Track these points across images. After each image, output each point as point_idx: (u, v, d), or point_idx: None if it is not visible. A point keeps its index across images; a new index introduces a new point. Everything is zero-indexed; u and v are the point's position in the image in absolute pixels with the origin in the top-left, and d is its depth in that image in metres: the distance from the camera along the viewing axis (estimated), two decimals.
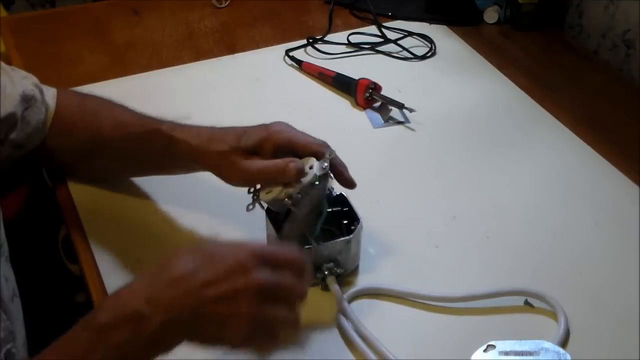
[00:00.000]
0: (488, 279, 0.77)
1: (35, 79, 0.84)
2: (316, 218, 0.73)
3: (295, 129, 0.76)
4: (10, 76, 0.80)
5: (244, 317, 0.56)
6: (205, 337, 0.57)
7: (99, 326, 0.55)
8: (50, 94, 0.84)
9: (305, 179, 0.71)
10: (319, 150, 0.73)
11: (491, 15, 1.24)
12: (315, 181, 0.71)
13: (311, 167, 0.72)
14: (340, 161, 0.75)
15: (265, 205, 0.74)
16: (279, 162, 0.72)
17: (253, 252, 0.58)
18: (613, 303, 0.75)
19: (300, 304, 0.60)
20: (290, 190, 0.71)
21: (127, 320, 0.55)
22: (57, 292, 1.07)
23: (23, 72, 0.83)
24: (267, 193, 0.72)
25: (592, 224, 0.85)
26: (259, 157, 0.74)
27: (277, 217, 0.75)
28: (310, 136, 0.75)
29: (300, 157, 0.73)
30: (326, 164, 0.72)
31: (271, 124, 0.76)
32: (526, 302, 0.74)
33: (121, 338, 0.55)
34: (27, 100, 0.80)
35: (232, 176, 0.75)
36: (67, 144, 0.84)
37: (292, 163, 0.71)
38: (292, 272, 0.59)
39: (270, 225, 0.75)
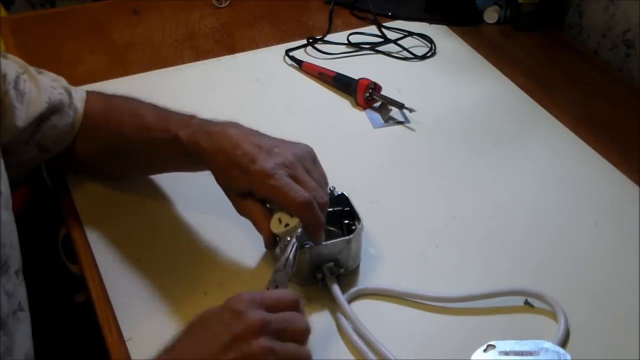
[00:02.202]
0: (488, 279, 0.77)
1: (64, 82, 0.84)
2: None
3: (282, 173, 0.71)
4: (37, 81, 0.80)
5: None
6: None
7: None
8: (79, 97, 0.84)
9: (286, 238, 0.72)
10: (293, 211, 0.71)
11: (491, 15, 1.24)
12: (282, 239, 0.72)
13: (287, 225, 0.71)
14: (318, 221, 0.72)
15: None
16: (260, 224, 0.73)
17: (262, 299, 0.62)
18: (613, 303, 0.75)
19: (308, 337, 0.63)
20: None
21: None
22: (57, 292, 1.07)
23: (53, 75, 0.83)
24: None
25: (592, 224, 0.85)
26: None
27: None
28: (293, 193, 0.70)
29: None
30: (288, 239, 0.71)
31: (258, 163, 0.72)
32: (526, 302, 0.74)
33: None
34: (55, 106, 0.80)
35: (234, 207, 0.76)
36: (92, 147, 0.84)
37: (265, 238, 0.72)
38: (292, 310, 0.64)
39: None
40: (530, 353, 0.66)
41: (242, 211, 0.75)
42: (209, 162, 0.76)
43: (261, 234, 0.73)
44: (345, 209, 0.78)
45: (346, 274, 0.76)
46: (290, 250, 0.70)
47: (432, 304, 0.74)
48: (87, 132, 0.84)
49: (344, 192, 0.78)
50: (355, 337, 0.70)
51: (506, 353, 0.66)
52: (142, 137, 0.81)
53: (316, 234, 0.71)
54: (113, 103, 0.86)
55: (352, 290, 0.75)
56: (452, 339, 0.71)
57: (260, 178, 0.71)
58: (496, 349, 0.67)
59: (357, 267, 0.78)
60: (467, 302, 0.74)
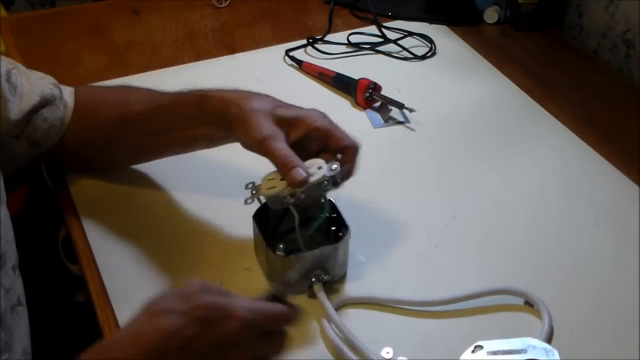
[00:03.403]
0: (488, 279, 0.77)
1: (53, 79, 0.84)
2: (311, 219, 0.73)
3: (332, 120, 0.76)
4: (28, 76, 0.81)
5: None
6: None
7: None
8: (67, 92, 0.85)
9: (312, 179, 0.70)
10: (348, 147, 0.74)
11: (491, 15, 1.24)
12: (324, 181, 0.71)
13: (320, 167, 0.71)
14: (353, 166, 0.75)
15: (263, 200, 0.73)
16: (290, 158, 0.70)
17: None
18: (613, 303, 0.75)
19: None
20: (296, 189, 0.70)
21: None
22: (57, 292, 1.07)
23: (41, 74, 0.84)
24: (269, 188, 0.71)
25: (592, 224, 0.85)
26: (285, 133, 0.73)
27: (265, 223, 0.75)
28: (345, 132, 0.75)
29: (330, 148, 0.74)
30: (335, 166, 0.72)
31: (310, 109, 0.77)
32: (526, 303, 0.74)
33: None
34: (47, 99, 0.81)
35: (250, 134, 0.72)
36: (91, 133, 0.85)
37: (300, 169, 0.69)
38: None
39: (257, 231, 0.74)
40: (518, 351, 0.66)
41: (267, 145, 0.71)
42: (235, 97, 0.76)
43: (287, 172, 0.70)
44: (333, 215, 0.77)
45: (333, 282, 0.75)
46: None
47: (418, 309, 0.74)
48: (85, 120, 0.84)
49: (331, 199, 0.77)
50: (342, 346, 0.69)
51: (494, 352, 0.66)
52: (150, 106, 0.82)
53: (350, 174, 0.75)
54: (110, 88, 0.89)
55: (338, 298, 0.74)
56: (440, 341, 0.71)
57: (317, 114, 0.76)
58: (484, 349, 0.67)
59: (345, 274, 0.77)
60: (451, 305, 0.73)
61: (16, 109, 0.77)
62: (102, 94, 0.88)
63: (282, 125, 0.73)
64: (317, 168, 0.71)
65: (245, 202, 0.73)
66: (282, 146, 0.71)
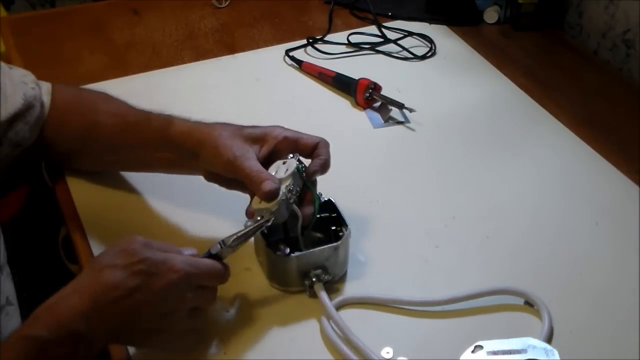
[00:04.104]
0: (488, 279, 0.77)
1: (33, 76, 0.84)
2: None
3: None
4: (11, 77, 0.80)
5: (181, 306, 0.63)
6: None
7: (39, 341, 0.57)
8: (45, 89, 0.84)
9: (289, 171, 0.72)
10: (320, 143, 0.76)
11: (491, 15, 1.24)
12: (298, 166, 0.73)
13: (284, 163, 0.74)
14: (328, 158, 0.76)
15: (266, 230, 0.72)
16: (261, 174, 0.71)
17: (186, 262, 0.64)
18: (613, 303, 0.75)
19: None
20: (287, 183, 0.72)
21: (69, 339, 0.57)
22: (57, 292, 1.07)
23: (22, 71, 0.84)
24: (268, 204, 0.71)
25: (592, 224, 0.85)
26: (258, 148, 0.76)
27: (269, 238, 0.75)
28: (313, 135, 0.77)
29: (303, 152, 0.76)
30: (296, 164, 0.73)
31: (274, 125, 0.78)
32: (526, 303, 0.74)
33: (62, 353, 0.57)
34: (29, 103, 0.80)
35: (222, 156, 0.73)
36: (63, 135, 0.85)
37: (270, 182, 0.70)
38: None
39: (262, 241, 0.74)
40: (518, 351, 0.66)
41: (238, 165, 0.72)
42: (201, 125, 0.77)
43: (258, 187, 0.70)
44: (333, 215, 0.77)
45: (333, 281, 0.75)
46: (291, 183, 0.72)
47: (418, 309, 0.74)
48: (60, 120, 0.84)
49: (331, 199, 0.77)
50: (341, 346, 0.69)
51: (494, 352, 0.66)
52: (117, 122, 0.82)
53: (326, 169, 0.75)
54: (84, 93, 0.88)
55: (339, 299, 0.74)
56: (440, 341, 0.71)
57: (281, 128, 0.77)
58: (484, 349, 0.67)
59: (345, 274, 0.77)
60: (451, 305, 0.73)
61: (2, 110, 0.77)
62: (76, 97, 0.87)
63: (253, 142, 0.75)
64: (283, 163, 0.74)
65: (263, 230, 0.72)
66: (253, 164, 0.72)
